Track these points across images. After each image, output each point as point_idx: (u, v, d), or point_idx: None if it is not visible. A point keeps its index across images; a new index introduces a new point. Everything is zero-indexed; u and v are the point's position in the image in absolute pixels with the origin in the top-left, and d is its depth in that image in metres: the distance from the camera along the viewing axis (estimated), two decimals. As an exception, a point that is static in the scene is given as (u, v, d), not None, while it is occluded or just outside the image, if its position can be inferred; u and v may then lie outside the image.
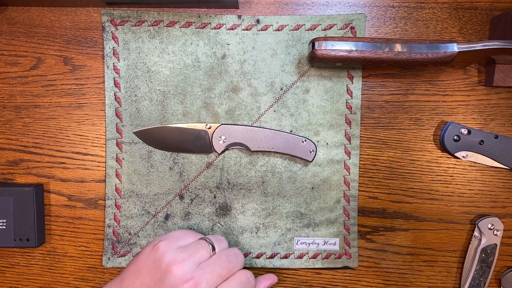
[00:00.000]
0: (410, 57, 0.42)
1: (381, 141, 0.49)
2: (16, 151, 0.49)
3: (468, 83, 0.48)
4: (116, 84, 0.48)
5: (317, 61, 0.44)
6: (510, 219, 0.49)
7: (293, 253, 0.49)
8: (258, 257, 0.49)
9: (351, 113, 0.48)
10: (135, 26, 0.47)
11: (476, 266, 0.48)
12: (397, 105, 0.49)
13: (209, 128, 0.47)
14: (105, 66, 0.47)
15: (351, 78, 0.48)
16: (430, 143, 0.49)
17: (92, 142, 0.49)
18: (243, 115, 0.48)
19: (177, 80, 0.48)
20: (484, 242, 0.47)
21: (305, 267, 0.49)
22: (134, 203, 0.48)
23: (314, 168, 0.48)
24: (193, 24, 0.47)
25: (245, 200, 0.48)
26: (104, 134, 0.49)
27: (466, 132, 0.47)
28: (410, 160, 0.49)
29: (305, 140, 0.47)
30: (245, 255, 0.49)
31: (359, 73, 0.48)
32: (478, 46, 0.41)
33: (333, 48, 0.42)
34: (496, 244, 0.47)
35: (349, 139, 0.48)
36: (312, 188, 0.48)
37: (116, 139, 0.48)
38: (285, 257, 0.49)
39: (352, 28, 0.47)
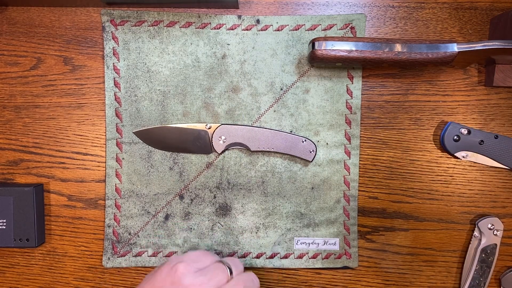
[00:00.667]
0: (410, 57, 0.42)
1: (381, 141, 0.49)
2: (16, 151, 0.49)
3: (468, 83, 0.48)
4: (116, 84, 0.48)
5: (317, 61, 0.44)
6: (510, 219, 0.49)
7: (293, 253, 0.49)
8: (258, 257, 0.49)
9: (351, 113, 0.48)
10: (135, 26, 0.47)
11: (476, 266, 0.48)
12: (397, 105, 0.49)
13: (209, 128, 0.47)
14: (105, 66, 0.47)
15: (351, 78, 0.48)
16: (430, 143, 0.49)
17: (92, 142, 0.49)
18: (243, 115, 0.48)
19: (177, 80, 0.48)
20: (484, 242, 0.47)
21: (305, 267, 0.49)
22: (134, 203, 0.48)
23: (314, 168, 0.48)
24: (193, 24, 0.47)
25: (245, 200, 0.48)
26: (104, 134, 0.49)
27: (466, 132, 0.47)
28: (410, 160, 0.49)
29: (305, 140, 0.47)
30: (245, 255, 0.49)
31: (359, 73, 0.48)
32: (478, 46, 0.41)
33: (333, 48, 0.42)
34: (496, 244, 0.47)
35: (349, 139, 0.48)
36: (312, 188, 0.48)
37: (116, 139, 0.48)
38: (285, 257, 0.49)
39: (352, 28, 0.47)
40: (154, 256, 0.49)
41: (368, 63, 0.44)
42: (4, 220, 0.47)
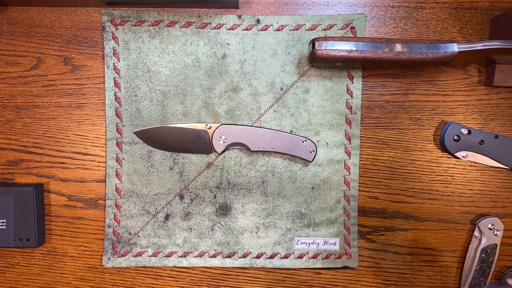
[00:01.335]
0: (410, 57, 0.42)
1: (381, 141, 0.49)
2: (16, 151, 0.49)
3: (468, 83, 0.48)
4: (116, 84, 0.48)
5: (317, 61, 0.44)
6: (510, 219, 0.49)
7: (293, 253, 0.49)
8: (258, 257, 0.49)
9: (351, 113, 0.48)
10: (135, 26, 0.47)
11: (476, 266, 0.48)
12: (397, 105, 0.49)
13: (209, 128, 0.47)
14: (105, 66, 0.47)
15: (351, 78, 0.48)
16: (430, 143, 0.49)
17: (92, 142, 0.49)
18: (243, 115, 0.48)
19: (177, 80, 0.48)
20: (484, 242, 0.47)
21: (305, 267, 0.49)
22: (134, 203, 0.48)
23: (314, 168, 0.48)
24: (193, 24, 0.47)
25: (245, 200, 0.48)
26: (104, 134, 0.49)
27: (466, 132, 0.47)
28: (410, 160, 0.49)
29: (305, 140, 0.47)
30: (245, 255, 0.49)
31: (359, 73, 0.48)
32: (478, 46, 0.41)
33: (333, 48, 0.42)
34: (496, 244, 0.47)
35: (349, 139, 0.48)
36: (312, 188, 0.48)
37: (116, 139, 0.48)
38: (285, 257, 0.49)
39: (352, 28, 0.47)
40: (154, 256, 0.49)
41: (368, 63, 0.44)
42: (4, 220, 0.47)
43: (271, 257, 0.49)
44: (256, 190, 0.48)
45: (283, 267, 0.49)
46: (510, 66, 0.46)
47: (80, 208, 0.49)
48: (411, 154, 0.49)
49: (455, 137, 0.47)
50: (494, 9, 0.48)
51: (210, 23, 0.47)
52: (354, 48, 0.42)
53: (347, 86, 0.48)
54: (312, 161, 0.47)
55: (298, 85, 0.48)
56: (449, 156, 0.49)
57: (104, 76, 0.48)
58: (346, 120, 0.48)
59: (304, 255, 0.49)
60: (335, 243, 0.49)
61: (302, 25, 0.47)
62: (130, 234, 0.48)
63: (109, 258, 0.49)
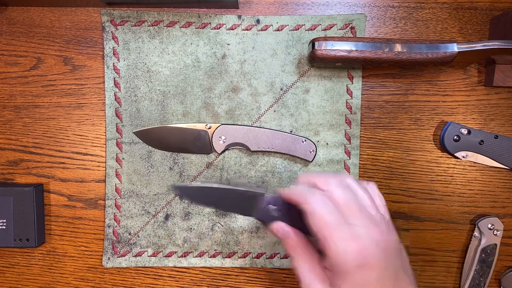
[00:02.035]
0: (410, 57, 0.42)
1: (381, 141, 0.49)
2: (16, 151, 0.49)
3: (468, 83, 0.48)
4: (116, 84, 0.48)
5: (317, 61, 0.44)
6: (510, 219, 0.49)
7: (293, 253, 0.49)
8: (258, 257, 0.49)
9: (351, 113, 0.48)
10: (135, 26, 0.47)
11: (476, 266, 0.48)
12: (397, 105, 0.49)
13: (209, 128, 0.47)
14: (105, 66, 0.47)
15: (351, 78, 0.48)
16: (430, 143, 0.49)
17: (92, 142, 0.49)
18: (243, 115, 0.48)
19: (177, 80, 0.48)
20: (484, 242, 0.47)
21: (305, 267, 0.49)
22: (134, 203, 0.48)
23: (314, 168, 0.48)
24: (193, 24, 0.47)
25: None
26: (104, 134, 0.49)
27: (466, 132, 0.47)
28: (410, 160, 0.49)
29: (305, 140, 0.47)
30: (245, 255, 0.49)
31: (359, 73, 0.48)
32: (478, 46, 0.41)
33: (333, 48, 0.42)
34: (496, 244, 0.47)
35: (349, 139, 0.48)
36: (312, 188, 0.48)
37: (116, 139, 0.48)
38: (285, 257, 0.49)
39: (352, 28, 0.47)
40: (154, 256, 0.49)
41: (368, 63, 0.44)
42: (4, 220, 0.47)
43: (271, 257, 0.49)
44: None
45: (283, 267, 0.49)
46: (510, 66, 0.46)
47: (80, 208, 0.49)
48: (411, 154, 0.49)
49: (455, 137, 0.47)
50: (494, 9, 0.47)
51: (210, 23, 0.47)
52: (354, 48, 0.42)
53: (347, 86, 0.48)
54: (312, 161, 0.47)
55: (298, 85, 0.48)
56: (449, 156, 0.49)
57: (104, 76, 0.48)
58: (346, 120, 0.48)
59: (304, 255, 0.49)
60: (335, 243, 0.49)
61: (302, 25, 0.47)
62: (130, 234, 0.48)
63: (109, 258, 0.49)
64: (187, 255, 0.49)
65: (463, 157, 0.47)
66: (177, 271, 0.50)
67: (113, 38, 0.47)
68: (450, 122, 0.47)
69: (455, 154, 0.47)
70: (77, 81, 0.48)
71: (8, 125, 0.49)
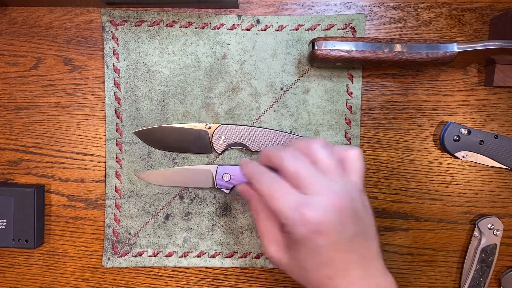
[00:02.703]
0: (410, 57, 0.42)
1: (381, 141, 0.49)
2: (16, 151, 0.49)
3: (468, 83, 0.48)
4: (116, 84, 0.48)
5: (317, 61, 0.44)
6: (510, 219, 0.49)
7: (293, 253, 0.49)
8: (258, 257, 0.49)
9: (351, 113, 0.48)
10: (135, 26, 0.47)
11: (476, 266, 0.48)
12: (397, 105, 0.49)
13: (209, 128, 0.47)
14: (105, 66, 0.47)
15: (351, 78, 0.48)
16: (430, 143, 0.49)
17: (92, 142, 0.49)
18: (243, 115, 0.48)
19: (177, 80, 0.48)
20: (484, 242, 0.47)
21: (305, 267, 0.49)
22: (134, 203, 0.48)
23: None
24: (193, 24, 0.47)
25: (245, 200, 0.48)
26: (104, 134, 0.49)
27: (466, 132, 0.47)
28: (410, 160, 0.49)
29: (305, 140, 0.47)
30: (245, 255, 0.49)
31: (359, 73, 0.48)
32: (478, 46, 0.41)
33: (333, 48, 0.42)
34: (496, 244, 0.47)
35: (349, 139, 0.48)
36: (312, 188, 0.48)
37: (116, 139, 0.48)
38: (285, 257, 0.49)
39: (352, 28, 0.47)
40: (154, 256, 0.49)
41: (368, 63, 0.44)
42: (4, 220, 0.47)
43: (271, 257, 0.49)
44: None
45: (283, 267, 0.49)
46: (510, 66, 0.46)
47: (80, 208, 0.49)
48: (411, 154, 0.49)
49: (455, 137, 0.47)
50: (494, 9, 0.47)
51: (210, 23, 0.47)
52: (354, 48, 0.42)
53: (347, 86, 0.48)
54: (312, 161, 0.47)
55: (298, 85, 0.48)
56: (449, 156, 0.49)
57: (104, 76, 0.48)
58: (346, 120, 0.48)
59: (304, 255, 0.49)
60: (335, 243, 0.49)
61: (302, 25, 0.47)
62: (130, 234, 0.48)
63: (109, 258, 0.49)
64: (187, 255, 0.49)
65: (463, 157, 0.47)
66: (177, 271, 0.50)
67: (113, 38, 0.47)
68: (450, 122, 0.47)
69: (455, 154, 0.47)
70: (77, 81, 0.48)
71: (8, 125, 0.49)
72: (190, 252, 0.49)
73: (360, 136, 0.48)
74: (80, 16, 0.48)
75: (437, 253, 0.49)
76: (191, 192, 0.48)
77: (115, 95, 0.48)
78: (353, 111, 0.48)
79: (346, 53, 0.42)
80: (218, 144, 0.47)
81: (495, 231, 0.47)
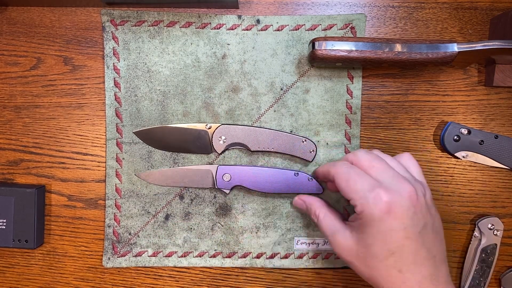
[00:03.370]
0: (410, 57, 0.42)
1: (381, 141, 0.49)
2: (16, 151, 0.49)
3: (468, 83, 0.48)
4: (116, 84, 0.48)
5: (317, 61, 0.44)
6: (510, 219, 0.49)
7: (293, 253, 0.49)
8: (258, 257, 0.49)
9: (351, 113, 0.48)
10: (135, 26, 0.47)
11: (476, 266, 0.48)
12: (397, 105, 0.49)
13: (209, 128, 0.47)
14: (105, 66, 0.47)
15: (351, 78, 0.48)
16: (430, 143, 0.49)
17: (92, 142, 0.49)
18: (243, 115, 0.48)
19: (177, 80, 0.48)
20: (484, 242, 0.47)
21: (305, 267, 0.49)
22: (134, 203, 0.48)
23: (314, 168, 0.48)
24: (193, 24, 0.47)
25: (245, 200, 0.48)
26: (104, 134, 0.49)
27: (466, 132, 0.47)
28: (410, 160, 0.49)
29: (305, 140, 0.47)
30: (245, 255, 0.49)
31: (359, 73, 0.48)
32: (478, 46, 0.41)
33: (333, 48, 0.42)
34: (496, 244, 0.47)
35: (349, 139, 0.48)
36: (312, 188, 0.48)
37: (116, 139, 0.48)
38: (285, 257, 0.49)
39: (352, 28, 0.47)
40: (154, 256, 0.49)
41: (368, 63, 0.44)
42: (4, 220, 0.47)
43: (271, 257, 0.49)
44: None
45: (283, 267, 0.49)
46: (510, 66, 0.46)
47: (80, 208, 0.49)
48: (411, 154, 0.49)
49: (455, 137, 0.47)
50: (494, 9, 0.48)
51: (210, 23, 0.47)
52: (354, 48, 0.42)
53: (347, 86, 0.48)
54: (312, 161, 0.47)
55: (298, 85, 0.48)
56: (449, 156, 0.49)
57: (104, 76, 0.48)
58: (346, 120, 0.48)
59: (304, 255, 0.49)
60: (335, 243, 0.49)
61: (302, 25, 0.47)
62: (130, 234, 0.48)
63: (109, 258, 0.49)
64: (187, 255, 0.49)
65: (463, 157, 0.47)
66: (177, 271, 0.50)
67: (113, 38, 0.47)
68: (450, 122, 0.47)
69: (455, 154, 0.47)
70: (77, 81, 0.48)
71: (8, 125, 0.49)
72: (190, 252, 0.49)
73: (360, 136, 0.48)
74: (80, 16, 0.48)
75: (437, 253, 0.49)
76: (191, 192, 0.48)
77: (115, 95, 0.48)
78: (353, 111, 0.48)
79: (346, 53, 0.42)
80: (218, 144, 0.47)
81: (495, 231, 0.47)
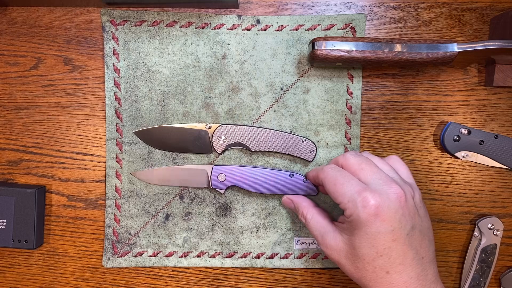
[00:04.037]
0: (410, 57, 0.42)
1: (381, 141, 0.49)
2: (16, 151, 0.49)
3: (468, 83, 0.48)
4: (116, 84, 0.48)
5: (317, 61, 0.44)
6: (510, 219, 0.49)
7: (293, 253, 0.49)
8: (258, 257, 0.49)
9: (351, 113, 0.48)
10: (135, 26, 0.47)
11: (476, 266, 0.48)
12: (397, 105, 0.49)
13: (209, 128, 0.47)
14: (105, 66, 0.47)
15: (351, 78, 0.48)
16: (430, 143, 0.49)
17: (92, 142, 0.49)
18: (243, 115, 0.48)
19: (177, 80, 0.48)
20: (484, 242, 0.47)
21: (305, 267, 0.49)
22: (134, 203, 0.48)
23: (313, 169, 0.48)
24: (193, 24, 0.47)
25: (245, 200, 0.48)
26: (104, 134, 0.49)
27: (466, 132, 0.47)
28: (410, 160, 0.49)
29: (305, 140, 0.47)
30: (245, 255, 0.49)
31: (359, 73, 0.48)
32: (478, 46, 0.41)
33: (333, 48, 0.42)
34: (496, 244, 0.47)
35: (349, 139, 0.48)
36: (312, 188, 0.48)
37: (116, 139, 0.48)
38: (285, 257, 0.49)
39: (352, 28, 0.47)
40: (154, 256, 0.49)
41: (368, 63, 0.44)
42: (4, 220, 0.47)
43: (271, 257, 0.49)
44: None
45: (283, 267, 0.49)
46: (510, 66, 0.46)
47: (80, 208, 0.49)
48: (411, 154, 0.49)
49: (455, 137, 0.47)
50: (494, 9, 0.48)
51: (210, 23, 0.47)
52: (354, 48, 0.42)
53: (347, 86, 0.48)
54: (312, 161, 0.47)
55: (298, 85, 0.48)
56: (449, 156, 0.49)
57: (104, 76, 0.48)
58: (346, 120, 0.48)
59: (304, 255, 0.49)
60: (335, 243, 0.49)
61: (302, 25, 0.47)
62: (130, 234, 0.48)
63: (109, 258, 0.49)
64: (187, 255, 0.49)
65: (463, 157, 0.47)
66: (177, 271, 0.50)
67: (113, 38, 0.47)
68: (450, 122, 0.47)
69: (455, 154, 0.47)
70: (77, 81, 0.48)
71: (8, 125, 0.49)
72: (190, 252, 0.49)
73: (360, 136, 0.48)
74: (80, 16, 0.48)
75: (437, 253, 0.49)
76: (191, 192, 0.48)
77: (115, 95, 0.48)
78: (353, 111, 0.48)
79: (346, 53, 0.42)
80: (218, 144, 0.47)
81: (495, 231, 0.47)
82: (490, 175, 0.49)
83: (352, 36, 0.47)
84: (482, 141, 0.47)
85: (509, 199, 0.49)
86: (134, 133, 0.48)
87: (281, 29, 0.47)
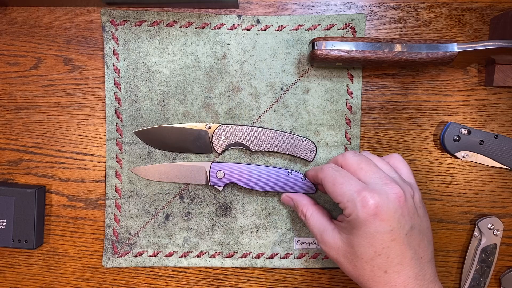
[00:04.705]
0: (410, 57, 0.42)
1: (381, 141, 0.49)
2: (16, 151, 0.49)
3: (468, 83, 0.48)
4: (116, 84, 0.48)
5: (317, 61, 0.44)
6: (510, 219, 0.49)
7: (293, 253, 0.49)
8: (258, 257, 0.49)
9: (351, 113, 0.48)
10: (135, 26, 0.47)
11: (476, 266, 0.48)
12: (397, 105, 0.49)
13: (209, 128, 0.47)
14: (105, 66, 0.47)
15: (351, 78, 0.48)
16: (430, 143, 0.49)
17: (92, 142, 0.49)
18: (243, 115, 0.48)
19: (177, 80, 0.48)
20: (484, 242, 0.47)
21: (305, 267, 0.49)
22: (134, 203, 0.48)
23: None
24: (193, 24, 0.47)
25: (245, 200, 0.48)
26: (104, 134, 0.49)
27: (466, 132, 0.47)
28: (410, 160, 0.49)
29: (305, 140, 0.47)
30: (245, 255, 0.49)
31: (359, 73, 0.48)
32: (478, 46, 0.41)
33: (333, 48, 0.42)
34: (496, 244, 0.47)
35: (349, 139, 0.48)
36: (312, 188, 0.48)
37: (116, 139, 0.48)
38: (285, 257, 0.49)
39: (352, 28, 0.47)
40: (154, 256, 0.49)
41: (368, 63, 0.44)
42: (4, 220, 0.47)
43: (271, 257, 0.49)
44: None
45: (283, 267, 0.49)
46: (510, 66, 0.46)
47: (80, 208, 0.49)
48: (411, 154, 0.49)
49: (455, 137, 0.47)
50: (494, 9, 0.48)
51: (210, 23, 0.47)
52: (354, 48, 0.42)
53: (347, 86, 0.48)
54: (312, 161, 0.47)
55: (298, 85, 0.48)
56: (449, 156, 0.49)
57: (104, 76, 0.48)
58: (346, 120, 0.48)
59: (304, 255, 0.49)
60: (335, 243, 0.49)
61: (302, 25, 0.47)
62: (130, 234, 0.48)
63: (109, 258, 0.49)
64: (187, 255, 0.49)
65: (463, 157, 0.47)
66: (177, 271, 0.50)
67: (113, 38, 0.47)
68: (450, 122, 0.47)
69: (455, 154, 0.47)
70: (77, 81, 0.48)
71: (8, 125, 0.49)
72: (190, 252, 0.49)
73: (360, 136, 0.48)
74: (80, 16, 0.48)
75: (437, 253, 0.49)
76: (191, 192, 0.48)
77: (115, 95, 0.48)
78: (353, 111, 0.48)
79: (346, 53, 0.42)
80: (218, 144, 0.47)
81: (495, 231, 0.47)
82: (490, 175, 0.49)
83: (352, 36, 0.47)
84: (482, 141, 0.47)
85: (509, 199, 0.49)
86: (134, 133, 0.48)
87: (281, 29, 0.47)
